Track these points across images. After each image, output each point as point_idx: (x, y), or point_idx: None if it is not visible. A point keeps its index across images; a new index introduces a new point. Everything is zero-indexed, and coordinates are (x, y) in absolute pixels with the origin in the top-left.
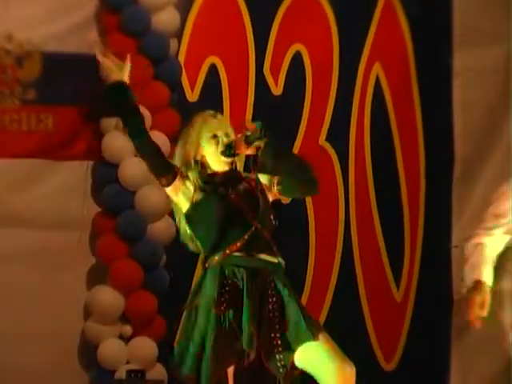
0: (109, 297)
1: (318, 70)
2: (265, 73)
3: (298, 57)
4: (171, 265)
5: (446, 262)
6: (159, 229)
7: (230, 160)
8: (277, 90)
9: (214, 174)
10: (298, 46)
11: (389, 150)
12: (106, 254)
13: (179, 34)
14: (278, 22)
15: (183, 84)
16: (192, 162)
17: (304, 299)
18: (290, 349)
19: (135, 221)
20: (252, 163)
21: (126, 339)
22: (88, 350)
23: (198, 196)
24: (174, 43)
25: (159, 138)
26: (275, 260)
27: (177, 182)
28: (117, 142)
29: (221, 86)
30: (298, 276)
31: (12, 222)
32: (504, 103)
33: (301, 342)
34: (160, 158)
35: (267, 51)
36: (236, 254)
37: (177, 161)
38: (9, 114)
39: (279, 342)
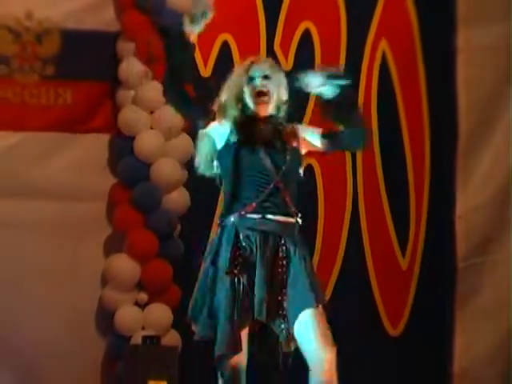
0: (125, 265)
1: (327, 47)
2: (275, 49)
3: (307, 34)
4: (185, 234)
5: (451, 232)
6: (174, 199)
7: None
8: (287, 65)
9: (254, 118)
10: (307, 24)
11: (395, 124)
12: (123, 224)
13: None
14: (288, 1)
15: (196, 60)
16: (234, 102)
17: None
18: (293, 314)
19: (151, 192)
20: (322, 106)
21: (142, 306)
22: (105, 317)
23: (233, 139)
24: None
25: (172, 113)
26: (292, 220)
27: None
28: (133, 115)
29: (233, 62)
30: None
31: (32, 194)
32: (506, 79)
33: (302, 308)
34: (193, 105)
35: (277, 28)
36: (251, 215)
37: (219, 103)
38: (28, 89)
39: (285, 305)
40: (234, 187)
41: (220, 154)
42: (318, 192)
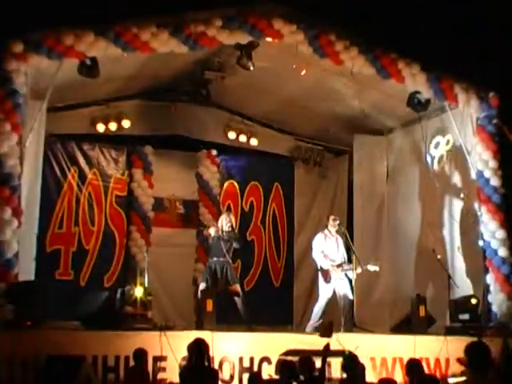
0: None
1: (257, 204)
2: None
3: (252, 203)
4: None
5: (292, 256)
6: None
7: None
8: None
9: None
10: (251, 198)
11: (277, 230)
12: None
13: None
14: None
15: None
16: None
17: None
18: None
19: None
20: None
21: None
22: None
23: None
24: None
25: None
26: (228, 259)
27: None
28: None
29: None
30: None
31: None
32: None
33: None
34: None
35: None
36: (214, 259)
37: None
38: (174, 217)
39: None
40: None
41: None
42: (255, 252)
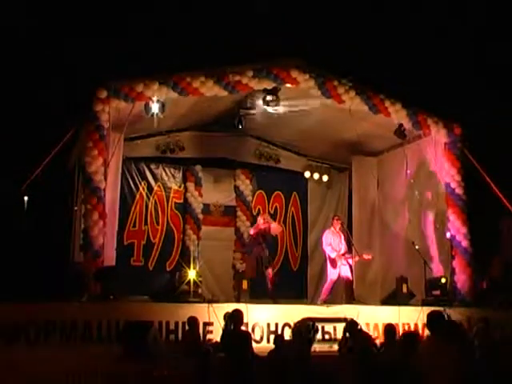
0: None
1: (280, 208)
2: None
3: (276, 208)
4: None
5: (306, 250)
6: None
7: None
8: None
9: None
10: (275, 204)
11: (295, 227)
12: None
13: None
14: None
15: None
16: None
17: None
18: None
19: None
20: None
21: None
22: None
23: None
24: None
25: None
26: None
27: None
28: None
29: None
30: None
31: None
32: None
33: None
34: None
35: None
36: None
37: None
38: (216, 217)
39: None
40: None
41: None
42: (279, 241)
